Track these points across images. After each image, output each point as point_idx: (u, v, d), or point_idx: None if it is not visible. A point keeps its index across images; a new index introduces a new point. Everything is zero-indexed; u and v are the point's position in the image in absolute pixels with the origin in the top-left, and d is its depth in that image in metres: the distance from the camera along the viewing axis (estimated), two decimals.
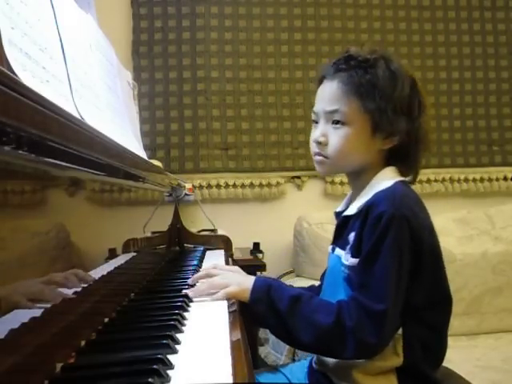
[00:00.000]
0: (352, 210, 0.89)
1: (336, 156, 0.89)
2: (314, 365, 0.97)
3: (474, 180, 2.29)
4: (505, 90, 2.33)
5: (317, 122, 0.92)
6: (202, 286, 0.87)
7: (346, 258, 0.86)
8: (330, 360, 0.89)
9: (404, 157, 0.90)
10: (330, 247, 0.96)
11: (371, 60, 0.87)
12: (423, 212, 0.86)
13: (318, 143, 0.90)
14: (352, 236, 0.86)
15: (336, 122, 0.88)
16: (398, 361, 0.82)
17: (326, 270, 1.10)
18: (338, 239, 0.93)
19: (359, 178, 0.92)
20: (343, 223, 0.92)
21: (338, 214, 0.99)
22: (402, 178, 0.89)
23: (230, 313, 0.76)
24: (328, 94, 0.90)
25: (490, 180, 2.30)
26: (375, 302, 0.77)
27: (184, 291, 0.85)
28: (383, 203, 0.80)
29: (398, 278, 0.78)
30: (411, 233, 0.80)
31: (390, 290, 0.77)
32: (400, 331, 0.81)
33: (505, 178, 2.31)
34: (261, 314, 0.82)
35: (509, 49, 2.34)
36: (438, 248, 0.86)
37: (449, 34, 2.30)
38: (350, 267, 0.84)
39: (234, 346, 0.60)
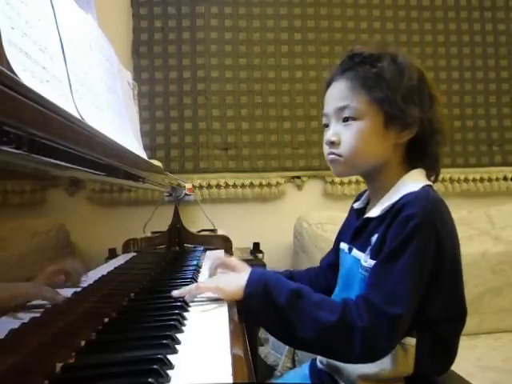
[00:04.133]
0: (375, 212, 0.85)
1: (350, 153, 0.85)
2: (318, 364, 0.96)
3: (474, 180, 2.29)
4: (505, 90, 2.33)
5: (327, 126, 0.90)
6: (191, 288, 0.82)
7: (366, 260, 0.83)
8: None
9: (422, 152, 0.87)
10: (346, 247, 0.93)
11: (376, 55, 0.86)
12: (451, 221, 0.82)
13: (331, 143, 0.87)
14: (375, 238, 0.83)
15: (346, 120, 0.86)
16: (408, 370, 0.80)
17: (327, 255, 1.09)
18: (356, 240, 0.90)
19: (377, 178, 0.89)
20: (364, 224, 0.89)
21: (356, 211, 0.96)
22: (429, 183, 0.86)
23: (229, 312, 0.76)
24: (336, 93, 0.88)
25: (489, 180, 2.30)
26: (390, 305, 0.73)
27: (172, 292, 0.81)
28: (413, 206, 0.77)
29: (417, 284, 0.75)
30: (437, 241, 0.77)
31: (407, 294, 0.74)
32: (413, 342, 0.79)
33: (505, 178, 2.32)
34: (256, 308, 0.78)
35: (509, 49, 2.34)
36: (459, 261, 0.83)
37: (449, 34, 2.30)
38: (368, 269, 0.81)
39: (234, 346, 0.60)
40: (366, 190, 1.00)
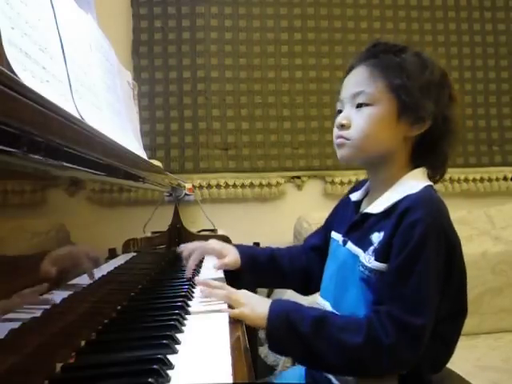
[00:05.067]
0: (377, 208, 0.84)
1: (358, 136, 0.84)
2: None
3: (474, 180, 2.29)
4: (505, 90, 2.33)
5: (340, 112, 0.90)
6: (218, 291, 0.84)
7: (368, 260, 0.81)
8: None
9: (431, 150, 0.86)
10: (341, 238, 0.91)
11: (400, 46, 0.87)
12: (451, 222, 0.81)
13: (341, 126, 0.86)
14: (376, 237, 0.81)
15: (360, 106, 0.85)
16: None
17: (312, 235, 1.10)
18: (352, 233, 0.89)
19: (381, 170, 0.88)
20: (362, 219, 0.87)
21: (354, 204, 0.95)
22: (430, 183, 0.84)
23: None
24: (354, 78, 0.88)
25: (489, 180, 2.30)
26: (413, 316, 0.72)
27: (198, 287, 0.89)
28: (418, 210, 0.76)
29: (435, 289, 0.75)
30: (447, 243, 0.76)
31: (428, 303, 0.74)
32: None
33: (505, 178, 2.32)
34: (282, 341, 0.77)
35: (509, 49, 2.34)
36: (464, 261, 0.82)
37: (449, 34, 2.30)
38: (372, 270, 0.80)
39: (234, 345, 0.60)
40: (364, 181, 0.98)
